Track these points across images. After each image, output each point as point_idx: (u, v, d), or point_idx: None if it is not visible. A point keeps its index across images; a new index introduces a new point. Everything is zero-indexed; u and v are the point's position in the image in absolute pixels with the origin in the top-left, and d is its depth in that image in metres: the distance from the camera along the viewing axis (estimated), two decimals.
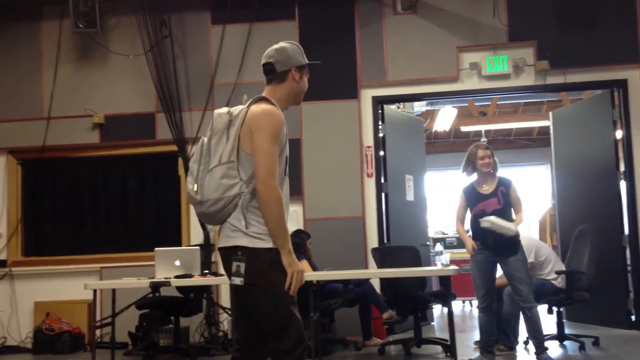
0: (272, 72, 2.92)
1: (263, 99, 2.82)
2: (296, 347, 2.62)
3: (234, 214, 2.68)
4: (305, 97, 7.44)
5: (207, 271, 5.85)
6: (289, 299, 2.67)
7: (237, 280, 2.60)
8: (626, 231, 6.59)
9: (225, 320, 6.60)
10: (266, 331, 2.66)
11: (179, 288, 5.92)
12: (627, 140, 6.58)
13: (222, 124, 2.72)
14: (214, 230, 6.94)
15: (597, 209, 6.86)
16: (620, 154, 6.67)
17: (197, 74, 7.12)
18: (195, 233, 6.96)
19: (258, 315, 2.67)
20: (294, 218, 6.88)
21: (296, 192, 6.88)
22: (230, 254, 2.66)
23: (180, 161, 7.03)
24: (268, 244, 2.67)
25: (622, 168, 6.65)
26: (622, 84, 6.61)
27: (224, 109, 2.80)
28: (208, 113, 7.02)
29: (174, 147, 7.00)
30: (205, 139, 2.74)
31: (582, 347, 5.56)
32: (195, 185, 2.66)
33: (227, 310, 6.16)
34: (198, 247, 5.93)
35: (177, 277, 5.45)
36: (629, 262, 6.58)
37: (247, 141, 2.69)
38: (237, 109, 2.77)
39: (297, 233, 6.35)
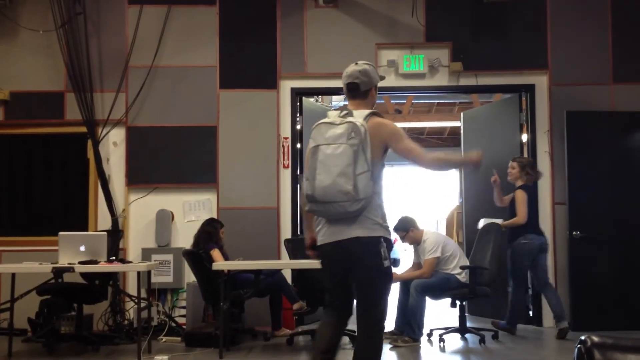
0: (356, 90, 3.41)
1: (374, 114, 3.32)
2: (385, 310, 3.32)
3: (371, 210, 3.19)
4: (224, 84, 7.42)
5: (113, 258, 5.68)
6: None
7: (370, 262, 3.18)
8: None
9: (131, 309, 6.45)
10: (371, 297, 3.25)
11: (83, 274, 5.73)
12: (532, 143, 6.88)
13: (342, 133, 3.17)
14: (123, 217, 6.76)
15: (501, 208, 7.14)
16: (525, 156, 6.97)
17: (111, 54, 6.90)
18: (102, 218, 6.76)
19: (373, 285, 3.25)
20: (207, 206, 6.80)
21: (210, 180, 6.81)
22: (371, 242, 3.19)
23: (89, 143, 6.78)
24: (387, 235, 3.29)
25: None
26: (530, 89, 6.91)
27: (335, 118, 3.26)
28: (121, 95, 6.82)
29: (84, 129, 6.75)
30: (344, 147, 3.14)
31: (482, 340, 5.79)
32: (352, 185, 3.10)
33: (133, 298, 6.01)
34: (105, 233, 5.75)
35: (81, 263, 5.28)
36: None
37: (376, 149, 3.23)
38: (348, 122, 3.19)
39: (210, 222, 6.29)
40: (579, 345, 1.83)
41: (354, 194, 3.10)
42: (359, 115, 3.25)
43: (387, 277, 3.29)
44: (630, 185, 6.55)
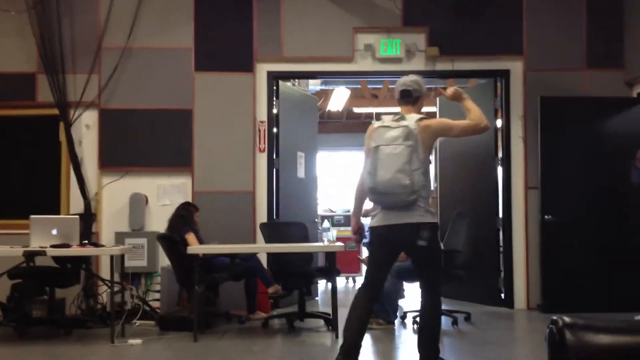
0: (409, 97, 4.04)
1: (423, 118, 3.92)
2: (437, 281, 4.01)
3: (422, 200, 3.82)
4: (199, 67, 7.34)
5: (86, 241, 5.62)
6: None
7: (424, 243, 3.79)
8: (500, 214, 6.98)
9: (104, 293, 6.39)
10: (428, 274, 3.97)
11: (55, 258, 5.66)
12: (507, 128, 6.93)
13: (399, 135, 3.84)
14: (96, 200, 6.68)
15: (475, 192, 7.22)
16: (499, 142, 7.03)
17: (84, 35, 6.77)
18: (74, 202, 6.67)
19: (426, 261, 3.94)
20: (182, 190, 6.75)
21: (185, 164, 6.75)
22: (420, 227, 3.81)
23: (61, 126, 6.68)
24: (435, 220, 3.91)
25: (500, 154, 7.01)
26: (505, 75, 6.94)
27: (391, 122, 3.91)
28: (94, 77, 6.71)
29: (56, 111, 6.64)
30: (402, 147, 3.80)
31: (455, 322, 5.85)
32: (409, 180, 3.75)
33: (106, 282, 5.96)
34: (77, 217, 5.69)
35: (53, 246, 5.21)
36: (501, 243, 6.98)
37: (426, 149, 3.87)
38: (404, 124, 3.86)
39: (185, 205, 6.25)
40: (550, 326, 1.85)
41: (411, 187, 3.76)
42: (411, 119, 3.87)
43: (434, 253, 3.94)
44: (603, 170, 6.63)
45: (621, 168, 6.60)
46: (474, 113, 3.95)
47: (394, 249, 4.00)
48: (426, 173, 3.87)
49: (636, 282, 6.45)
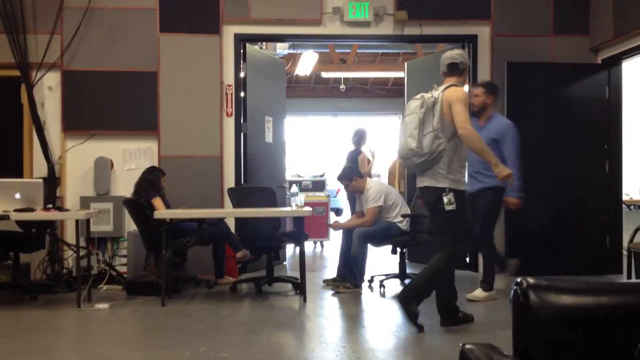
0: (456, 69, 4.32)
1: (452, 85, 4.21)
2: (451, 242, 4.28)
3: (440, 164, 4.12)
4: (164, 28, 7.18)
5: (50, 205, 5.54)
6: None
7: (450, 207, 4.12)
8: (466, 179, 7.05)
9: (70, 258, 6.33)
10: (441, 234, 4.27)
11: (19, 222, 5.57)
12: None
13: (416, 105, 4.16)
14: (60, 164, 6.56)
15: None
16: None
17: None
18: (38, 165, 6.54)
19: (441, 225, 4.24)
20: (148, 154, 6.67)
21: (151, 127, 6.66)
22: (439, 191, 4.14)
23: (23, 87, 6.51)
24: (459, 187, 4.19)
25: None
26: (473, 39, 6.96)
27: (417, 96, 4.23)
28: (56, 37, 6.53)
29: (17, 72, 6.46)
30: (414, 115, 4.13)
31: None
32: (417, 143, 4.07)
33: (72, 247, 5.90)
34: (41, 180, 5.59)
35: (17, 210, 5.13)
36: None
37: (448, 113, 4.10)
38: (432, 95, 4.16)
39: (151, 170, 6.18)
40: (515, 287, 1.89)
41: (419, 150, 4.09)
42: (439, 90, 4.19)
43: (449, 218, 4.18)
44: (568, 136, 6.74)
45: (586, 133, 6.70)
46: (477, 139, 4.18)
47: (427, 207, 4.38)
48: (450, 138, 4.12)
49: (591, 247, 6.63)
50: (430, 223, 4.44)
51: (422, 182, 4.27)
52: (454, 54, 4.37)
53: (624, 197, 7.15)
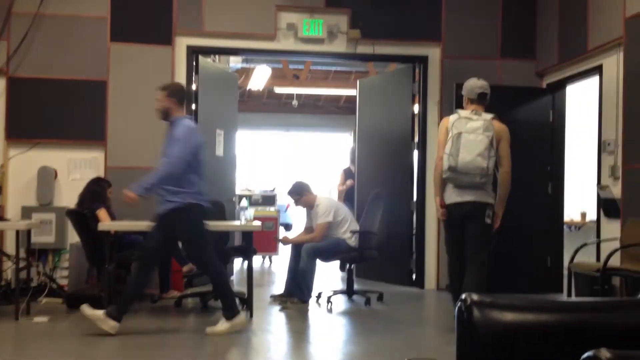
0: (485, 98, 4.83)
1: (495, 118, 4.70)
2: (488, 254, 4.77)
3: (490, 184, 4.67)
4: (115, 37, 7.07)
5: None
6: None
7: (489, 220, 4.68)
8: (415, 197, 7.15)
9: (9, 269, 6.12)
10: (480, 243, 4.69)
11: None
12: (423, 113, 7.09)
13: (480, 126, 4.60)
14: (1, 172, 6.36)
15: (392, 176, 7.37)
16: (416, 126, 7.18)
17: None
18: None
19: (481, 236, 4.70)
20: (94, 165, 6.53)
21: (98, 137, 6.53)
22: (484, 206, 4.67)
23: None
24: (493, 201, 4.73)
25: (416, 139, 7.17)
26: (424, 60, 7.08)
27: (470, 115, 4.68)
28: (2, 43, 6.35)
29: None
30: (483, 136, 4.57)
31: (367, 301, 5.97)
32: (486, 163, 4.54)
33: (11, 258, 5.71)
34: None
35: None
36: (414, 225, 7.17)
37: (496, 142, 4.62)
38: (483, 120, 4.64)
39: (97, 181, 6.05)
40: (459, 303, 1.92)
41: (486, 170, 4.53)
42: (487, 116, 4.66)
43: (488, 229, 4.71)
44: (512, 157, 6.87)
45: (530, 155, 6.88)
46: (507, 187, 4.76)
47: (459, 223, 4.69)
48: (494, 163, 4.62)
49: (533, 266, 6.79)
50: (468, 232, 4.72)
51: (467, 197, 4.64)
52: (484, 84, 4.82)
53: (565, 219, 7.35)
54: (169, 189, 4.66)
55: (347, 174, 8.35)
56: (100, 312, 4.52)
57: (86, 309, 4.56)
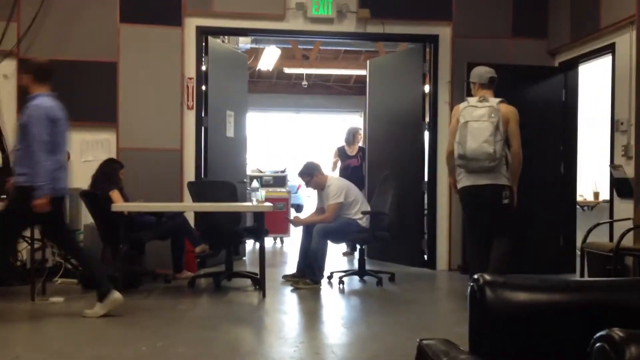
0: (493, 82, 5.07)
1: (502, 101, 4.92)
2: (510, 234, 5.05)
3: (502, 166, 4.84)
4: (125, 18, 7.05)
5: (4, 196, 5.40)
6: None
7: (507, 201, 4.90)
8: (426, 178, 7.15)
9: (24, 250, 6.19)
10: (502, 224, 4.97)
11: None
12: (434, 93, 7.06)
13: (484, 113, 4.83)
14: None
15: (403, 156, 7.35)
16: (427, 106, 7.15)
17: None
18: None
19: (502, 217, 4.96)
20: (106, 146, 6.56)
21: (110, 119, 6.56)
22: (501, 188, 4.88)
23: None
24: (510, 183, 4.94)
25: (427, 119, 7.14)
26: (434, 40, 7.03)
27: (476, 103, 4.90)
28: (12, 24, 6.36)
29: None
30: (487, 123, 4.79)
31: (379, 282, 6.00)
32: (493, 148, 4.75)
33: (26, 239, 5.77)
34: None
35: None
36: (426, 206, 7.16)
37: (504, 125, 4.82)
38: (488, 104, 4.85)
39: (109, 162, 6.08)
40: (471, 284, 1.92)
41: (493, 155, 4.75)
42: (493, 101, 4.86)
43: (506, 209, 4.93)
44: (524, 137, 6.82)
45: (542, 135, 6.84)
46: (519, 164, 4.97)
47: (480, 203, 4.97)
48: (505, 145, 4.82)
49: (546, 246, 6.79)
50: (489, 216, 4.99)
51: (482, 180, 4.87)
52: (491, 69, 5.09)
53: (578, 198, 7.33)
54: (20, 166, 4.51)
55: (341, 153, 8.37)
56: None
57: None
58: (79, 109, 6.48)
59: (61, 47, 6.47)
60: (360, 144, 8.56)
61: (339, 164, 8.48)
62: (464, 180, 4.98)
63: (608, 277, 5.13)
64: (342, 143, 8.54)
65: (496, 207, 4.93)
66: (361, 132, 8.57)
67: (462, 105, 4.99)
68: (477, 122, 4.81)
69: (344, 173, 8.22)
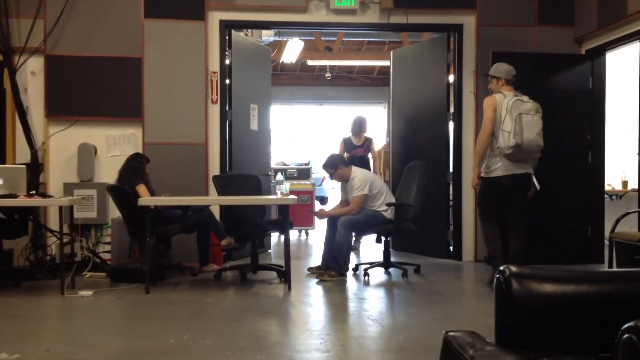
0: (514, 79, 5.51)
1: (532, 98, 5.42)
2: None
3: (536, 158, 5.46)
4: (149, 13, 7.12)
5: (33, 192, 5.49)
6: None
7: (538, 187, 5.49)
8: (451, 169, 7.10)
9: (53, 244, 6.30)
10: (525, 212, 5.49)
11: (1, 208, 5.51)
12: (459, 83, 6.99)
13: (532, 108, 5.34)
14: (43, 150, 6.51)
15: (427, 147, 7.31)
16: (451, 97, 7.09)
17: None
18: (21, 151, 6.47)
19: (526, 204, 5.49)
20: (132, 141, 6.63)
21: (135, 114, 6.62)
22: (531, 176, 5.43)
23: (5, 72, 6.43)
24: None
25: (451, 109, 7.09)
26: (458, 29, 6.97)
27: (522, 97, 5.40)
28: (39, 21, 6.45)
29: None
30: (537, 117, 5.35)
31: (404, 274, 5.99)
32: (542, 141, 5.32)
33: (55, 233, 5.86)
34: (24, 166, 5.54)
35: None
36: (451, 197, 7.12)
37: None
38: (532, 102, 5.39)
39: (136, 157, 6.14)
40: (497, 275, 1.91)
41: (542, 147, 5.31)
42: (527, 98, 5.38)
43: (529, 197, 5.46)
44: (550, 126, 6.75)
45: (569, 123, 6.75)
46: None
47: (510, 191, 5.37)
48: None
49: (573, 236, 6.70)
50: (515, 200, 5.43)
51: (523, 169, 5.38)
52: (512, 67, 5.52)
53: (606, 187, 7.22)
54: None
55: (347, 144, 8.14)
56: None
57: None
58: (105, 105, 6.58)
59: (86, 44, 6.55)
60: (367, 134, 8.31)
61: (345, 154, 8.26)
62: (502, 170, 5.35)
63: (637, 267, 5.05)
64: (349, 134, 8.27)
65: (525, 194, 5.42)
66: (367, 121, 8.33)
67: (498, 96, 5.35)
68: (528, 115, 5.25)
69: (350, 163, 8.01)
